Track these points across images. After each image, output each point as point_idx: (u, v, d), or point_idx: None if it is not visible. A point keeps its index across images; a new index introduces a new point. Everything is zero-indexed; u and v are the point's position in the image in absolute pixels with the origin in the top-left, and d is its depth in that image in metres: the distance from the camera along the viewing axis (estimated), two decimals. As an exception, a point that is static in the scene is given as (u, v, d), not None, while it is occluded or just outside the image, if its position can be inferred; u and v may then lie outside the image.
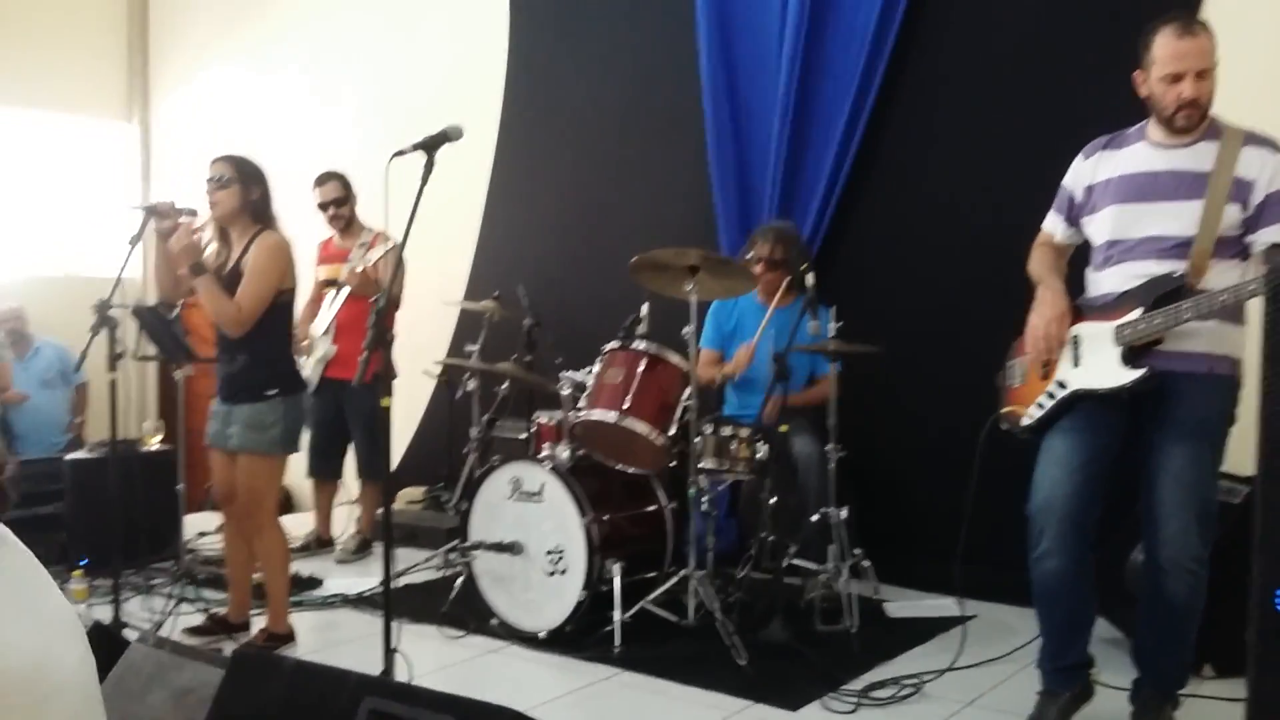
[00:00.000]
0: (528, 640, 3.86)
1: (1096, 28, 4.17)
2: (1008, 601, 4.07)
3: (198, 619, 3.98)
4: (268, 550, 3.83)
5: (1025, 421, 3.03)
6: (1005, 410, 3.14)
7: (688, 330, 3.87)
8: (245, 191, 3.72)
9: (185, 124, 8.00)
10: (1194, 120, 2.81)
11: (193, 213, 3.80)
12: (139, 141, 8.22)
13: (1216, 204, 2.77)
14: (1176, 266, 2.80)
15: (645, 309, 4.11)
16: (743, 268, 4.19)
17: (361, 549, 5.28)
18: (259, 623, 3.93)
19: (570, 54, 5.86)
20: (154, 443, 5.15)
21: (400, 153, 2.94)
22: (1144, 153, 2.91)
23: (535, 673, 3.62)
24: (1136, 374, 2.81)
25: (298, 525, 5.68)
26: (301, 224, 4.93)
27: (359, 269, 4.92)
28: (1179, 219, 2.81)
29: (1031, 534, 2.94)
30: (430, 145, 2.99)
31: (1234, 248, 2.83)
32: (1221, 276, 2.77)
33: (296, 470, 5.75)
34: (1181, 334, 2.79)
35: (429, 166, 2.98)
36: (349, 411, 5.20)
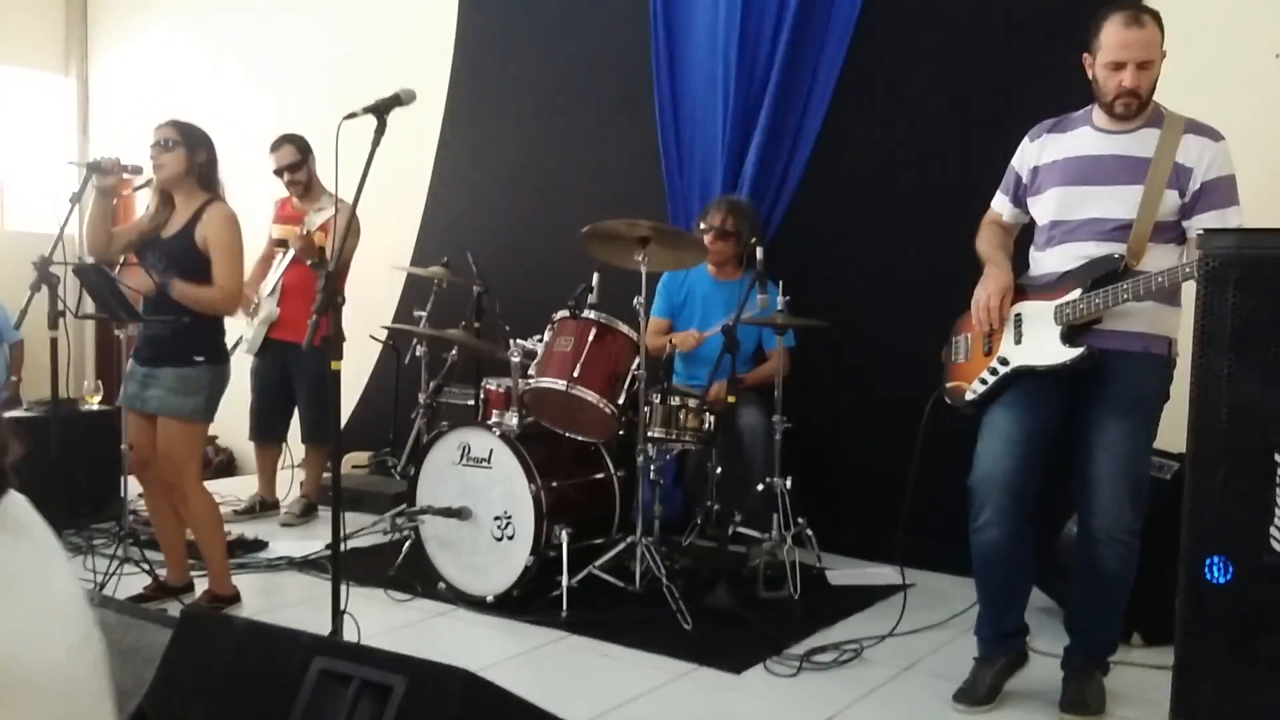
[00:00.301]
0: (475, 604, 3.88)
1: (1045, 9, 4.23)
2: (945, 570, 4.17)
3: (141, 580, 3.95)
4: (197, 515, 3.79)
5: (969, 397, 3.11)
6: (949, 386, 3.21)
7: (638, 300, 3.89)
8: (190, 155, 3.67)
9: (125, 80, 7.82)
10: (1131, 109, 2.89)
11: (137, 170, 3.75)
12: (76, 96, 8.02)
13: (1156, 189, 2.86)
14: (1116, 248, 2.89)
15: (595, 279, 4.12)
16: (694, 239, 4.22)
17: (306, 513, 5.26)
18: (201, 585, 3.91)
19: (521, 20, 5.82)
20: (94, 402, 5.08)
21: (351, 115, 2.91)
22: (1089, 137, 2.99)
23: (483, 635, 3.65)
24: (1075, 352, 2.90)
25: (241, 488, 5.65)
26: (246, 186, 4.88)
27: (303, 232, 4.88)
28: (1120, 202, 2.90)
29: (972, 505, 3.02)
30: (382, 108, 2.96)
31: (1171, 231, 2.92)
32: (1159, 259, 2.86)
33: (239, 433, 5.71)
34: (1119, 314, 2.88)
35: (380, 130, 2.95)
36: (295, 375, 5.16)
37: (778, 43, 4.79)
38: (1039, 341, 2.97)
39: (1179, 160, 2.87)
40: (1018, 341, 3.03)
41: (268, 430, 5.34)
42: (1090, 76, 2.95)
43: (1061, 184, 3.01)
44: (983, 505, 2.99)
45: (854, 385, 4.73)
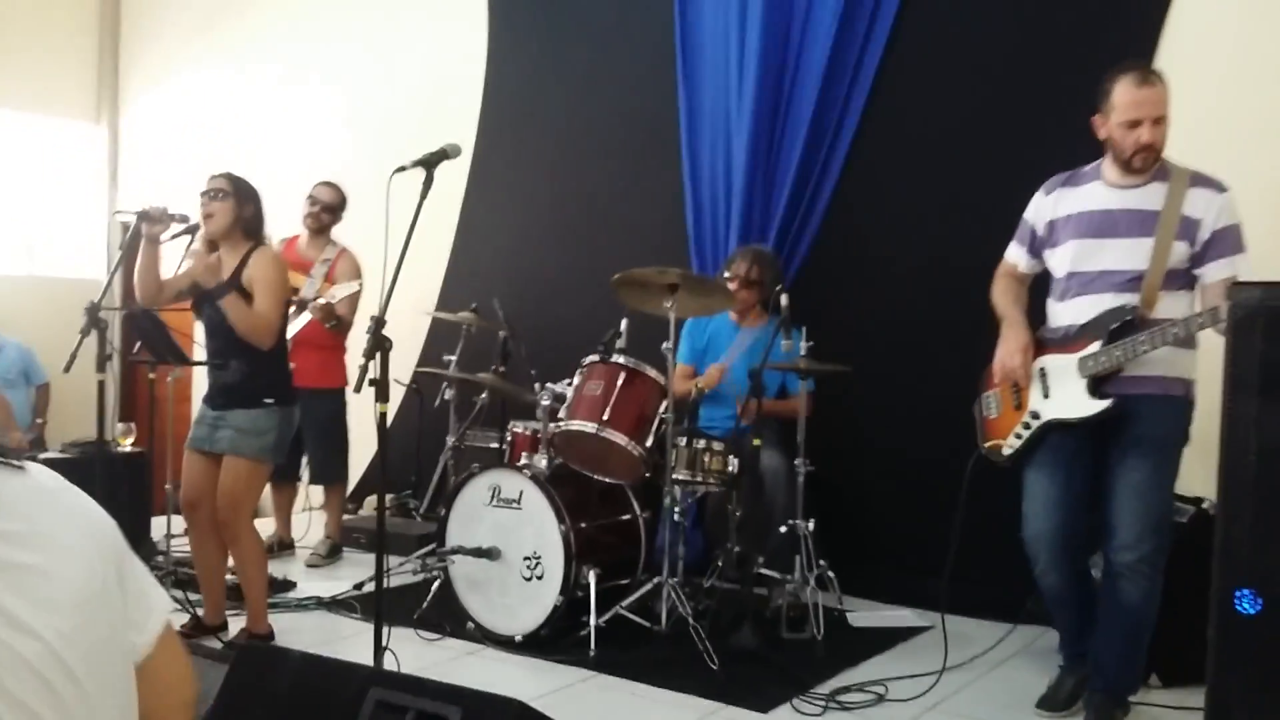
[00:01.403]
0: (503, 643, 3.95)
1: (1061, 69, 4.37)
2: (967, 614, 4.22)
3: (178, 619, 4.03)
4: (246, 555, 3.89)
5: (1006, 451, 3.28)
6: (988, 445, 3.37)
7: (666, 345, 4.00)
8: (239, 207, 3.80)
9: (155, 127, 8.01)
10: (1149, 162, 3.05)
11: (185, 219, 3.86)
12: (106, 144, 8.21)
13: (1166, 241, 3.01)
14: (1130, 299, 3.03)
15: (625, 324, 4.23)
16: (720, 286, 4.34)
17: (332, 554, 5.33)
18: (234, 623, 3.99)
19: (549, 67, 5.98)
20: (126, 444, 5.18)
21: (401, 169, 3.05)
22: (1100, 192, 3.15)
23: (512, 674, 3.72)
24: (1103, 404, 3.06)
25: (259, 530, 5.71)
26: (273, 233, 5.00)
27: (323, 301, 4.97)
28: (1132, 254, 3.05)
29: (1030, 557, 3.28)
30: (430, 162, 3.10)
31: (1181, 279, 3.06)
32: (1170, 307, 3.01)
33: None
34: (1138, 361, 3.02)
35: (428, 183, 3.09)
36: (303, 418, 5.24)
37: (799, 91, 4.93)
38: (1066, 394, 3.12)
39: (1186, 213, 3.02)
40: (1045, 395, 3.18)
41: (282, 472, 5.42)
42: (1103, 136, 3.11)
43: (1077, 237, 3.16)
44: (1036, 558, 3.25)
45: (874, 429, 4.82)
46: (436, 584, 4.24)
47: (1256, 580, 2.29)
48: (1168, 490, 3.11)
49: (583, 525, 3.92)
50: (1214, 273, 3.01)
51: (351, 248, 5.29)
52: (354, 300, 5.08)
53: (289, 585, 4.69)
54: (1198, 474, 3.70)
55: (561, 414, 4.08)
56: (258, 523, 5.94)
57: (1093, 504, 3.19)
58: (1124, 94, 3.03)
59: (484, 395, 5.15)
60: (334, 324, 5.04)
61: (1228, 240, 3.01)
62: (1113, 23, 4.31)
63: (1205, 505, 3.55)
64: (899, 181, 4.86)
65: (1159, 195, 3.05)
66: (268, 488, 5.53)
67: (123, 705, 1.18)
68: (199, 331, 3.90)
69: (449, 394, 5.19)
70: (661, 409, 4.02)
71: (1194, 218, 3.02)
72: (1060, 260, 3.22)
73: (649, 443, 4.01)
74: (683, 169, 5.28)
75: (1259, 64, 4.07)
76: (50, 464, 4.17)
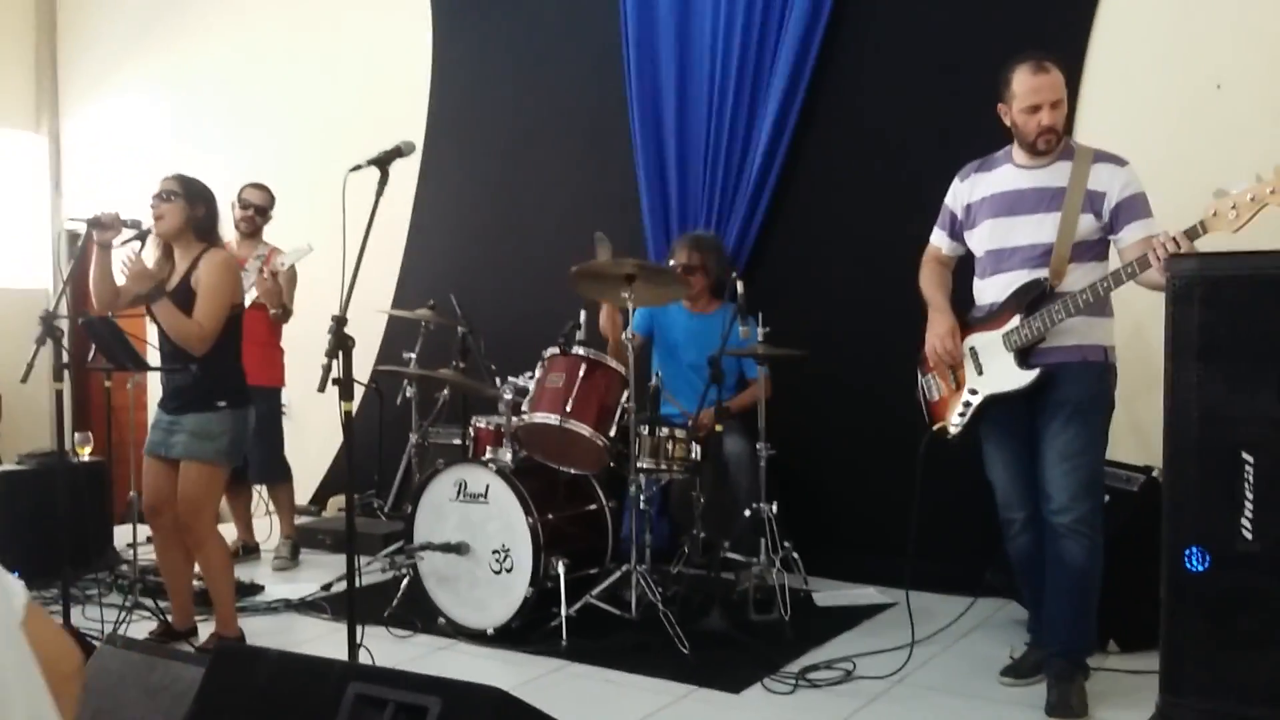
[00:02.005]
0: (475, 637, 3.97)
1: (1000, 56, 4.45)
2: (930, 590, 4.30)
3: (146, 626, 4.01)
4: (211, 560, 3.87)
5: (953, 430, 3.41)
6: (936, 427, 3.49)
7: (627, 334, 4.04)
8: (190, 208, 3.77)
9: (97, 134, 7.89)
10: (1052, 143, 3.23)
11: (136, 224, 3.83)
12: (48, 152, 8.08)
13: (1072, 214, 3.18)
14: (1042, 272, 3.20)
15: (583, 316, 4.26)
16: (677, 275, 4.38)
17: (294, 554, 5.31)
18: (204, 628, 3.97)
19: (496, 61, 5.97)
20: (84, 454, 5.12)
21: (356, 168, 3.03)
22: (1010, 173, 3.33)
23: (485, 667, 3.74)
24: (1033, 374, 3.22)
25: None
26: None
27: (269, 271, 4.92)
28: (1040, 229, 3.22)
29: (1004, 523, 3.42)
30: (384, 160, 3.10)
31: (1091, 251, 3.22)
32: (1081, 278, 3.17)
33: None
34: (1056, 331, 3.18)
35: (383, 181, 3.09)
36: None
37: (747, 80, 4.99)
38: (999, 368, 3.28)
39: (1091, 187, 3.18)
40: (980, 372, 3.34)
41: (233, 475, 5.39)
42: (1009, 123, 3.28)
43: (991, 216, 3.34)
44: (1010, 522, 3.39)
45: (833, 411, 4.89)
46: (406, 581, 4.25)
47: (1203, 537, 2.40)
48: (1096, 453, 3.24)
49: (550, 516, 3.96)
50: (1130, 235, 3.15)
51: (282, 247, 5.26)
52: (294, 279, 5.03)
53: (256, 589, 4.67)
54: (1146, 442, 3.83)
55: (524, 407, 4.11)
56: (220, 529, 5.95)
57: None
58: (1022, 82, 3.20)
59: (445, 391, 5.16)
60: (277, 313, 5.01)
61: (1135, 206, 3.16)
62: (1050, 11, 4.42)
63: (1155, 474, 3.65)
64: (846, 166, 4.93)
65: (1064, 173, 3.22)
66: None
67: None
68: (153, 334, 3.86)
69: (410, 392, 5.20)
70: (623, 398, 4.06)
71: (1099, 191, 3.17)
72: (979, 240, 3.39)
73: (612, 432, 4.05)
74: (635, 160, 5.31)
75: (1203, 41, 4.18)
76: (8, 477, 4.10)
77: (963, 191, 3.45)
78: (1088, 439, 3.20)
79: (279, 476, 5.40)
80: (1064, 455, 3.17)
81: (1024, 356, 3.22)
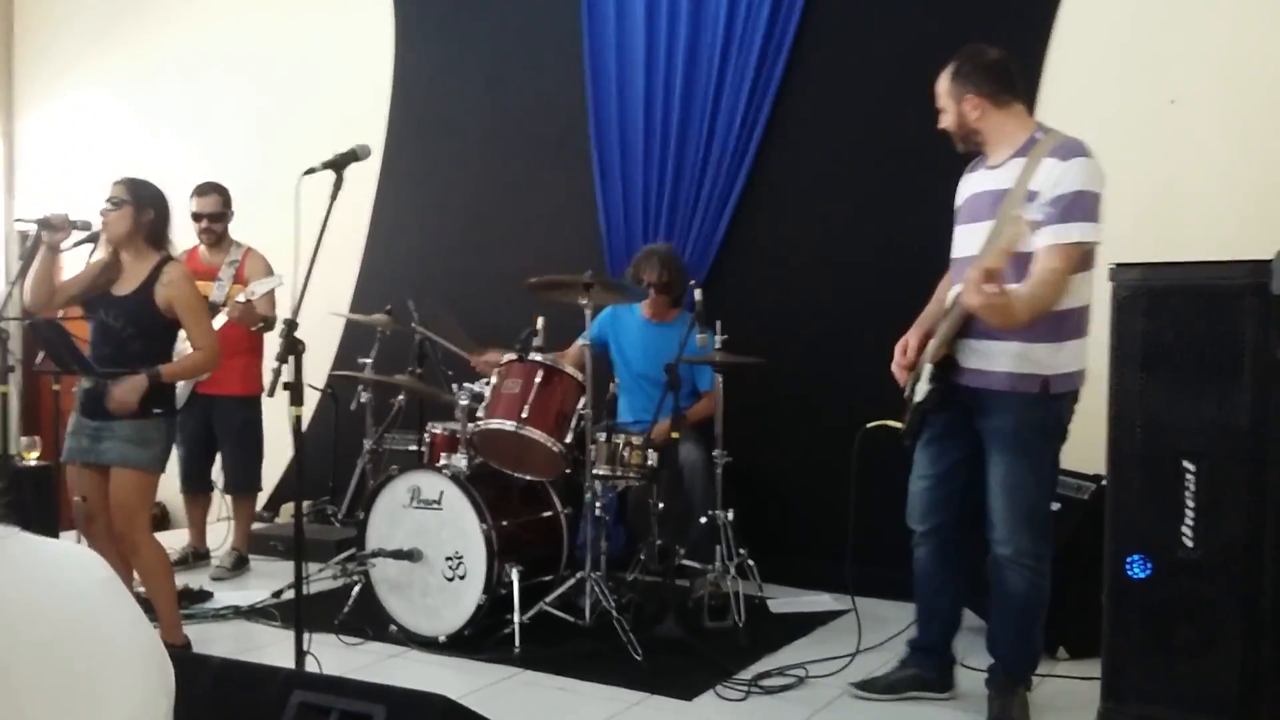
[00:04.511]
0: (427, 644, 3.94)
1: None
2: (882, 596, 4.32)
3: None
4: (148, 565, 3.80)
5: (901, 427, 3.35)
6: (876, 422, 3.40)
7: (582, 342, 4.04)
8: (138, 214, 3.71)
9: (53, 134, 7.77)
10: (964, 146, 3.17)
11: (86, 225, 3.78)
12: (2, 152, 7.95)
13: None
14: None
15: (540, 322, 4.25)
16: (635, 289, 4.40)
17: (238, 566, 5.21)
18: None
19: (458, 66, 5.96)
20: (31, 458, 5.04)
21: (311, 171, 3.04)
22: (980, 176, 3.20)
23: (437, 674, 3.71)
24: (928, 388, 3.13)
25: (173, 540, 5.60)
26: (177, 240, 4.91)
27: (242, 300, 4.86)
28: (979, 237, 3.03)
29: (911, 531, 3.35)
30: (339, 164, 3.10)
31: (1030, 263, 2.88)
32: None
33: (171, 486, 5.68)
34: (980, 353, 3.03)
35: (338, 184, 3.08)
36: (216, 425, 5.17)
37: (709, 88, 5.01)
38: (922, 379, 3.22)
39: (1031, 187, 2.87)
40: (917, 380, 3.25)
41: (196, 482, 5.34)
42: None
43: (960, 222, 3.24)
44: (913, 532, 3.34)
45: (788, 419, 4.92)
46: (357, 588, 4.21)
47: (1145, 545, 2.43)
48: (1038, 484, 3.07)
49: (504, 523, 3.94)
50: (1037, 242, 2.82)
51: (256, 247, 5.22)
52: (273, 296, 4.99)
53: (205, 595, 4.61)
54: (1096, 451, 3.87)
55: (480, 413, 4.09)
56: (174, 534, 5.87)
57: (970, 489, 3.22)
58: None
59: (401, 397, 5.12)
60: (260, 325, 4.96)
61: (1058, 207, 2.82)
62: (1007, 25, 4.47)
63: (1105, 482, 3.68)
64: (807, 175, 4.96)
65: (1014, 173, 2.97)
66: (180, 499, 5.46)
67: None
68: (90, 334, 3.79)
69: (365, 397, 5.16)
70: (580, 405, 4.05)
71: (1034, 190, 2.85)
72: (953, 247, 3.28)
73: (568, 439, 4.04)
74: (593, 167, 5.32)
75: (1158, 56, 4.25)
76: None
77: (958, 194, 3.30)
78: (1027, 469, 3.02)
79: (251, 487, 5.34)
80: (1004, 486, 3.03)
81: (940, 373, 3.09)
